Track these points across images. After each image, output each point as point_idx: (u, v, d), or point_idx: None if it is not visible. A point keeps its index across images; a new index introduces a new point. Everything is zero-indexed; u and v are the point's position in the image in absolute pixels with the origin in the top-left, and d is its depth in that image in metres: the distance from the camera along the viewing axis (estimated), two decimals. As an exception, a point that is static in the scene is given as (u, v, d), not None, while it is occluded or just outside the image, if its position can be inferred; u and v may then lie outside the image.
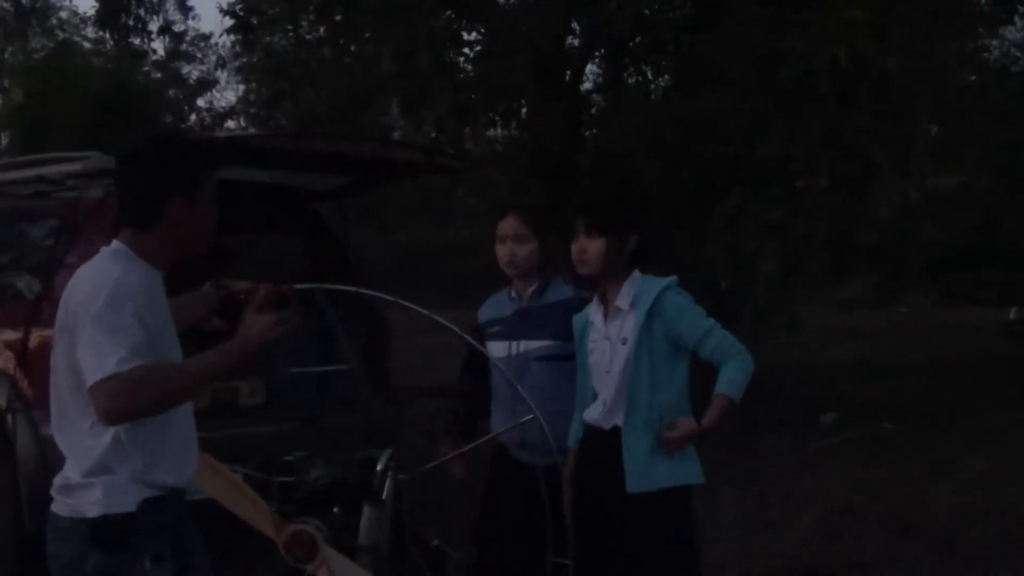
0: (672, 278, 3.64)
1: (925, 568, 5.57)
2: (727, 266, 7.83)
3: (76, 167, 5.52)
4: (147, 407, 2.49)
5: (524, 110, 9.82)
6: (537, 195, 9.50)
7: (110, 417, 2.45)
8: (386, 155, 5.81)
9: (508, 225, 4.02)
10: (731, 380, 3.43)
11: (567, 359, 3.85)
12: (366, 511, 3.49)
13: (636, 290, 3.63)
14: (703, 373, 3.70)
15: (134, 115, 26.93)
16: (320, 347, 5.15)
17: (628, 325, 3.57)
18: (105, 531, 2.53)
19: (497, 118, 9.33)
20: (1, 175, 6.26)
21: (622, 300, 3.63)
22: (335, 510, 3.48)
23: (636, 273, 3.69)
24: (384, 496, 3.55)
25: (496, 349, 4.02)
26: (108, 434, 2.54)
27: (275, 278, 3.83)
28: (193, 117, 32.02)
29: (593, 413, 3.68)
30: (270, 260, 7.06)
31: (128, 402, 2.42)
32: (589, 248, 3.66)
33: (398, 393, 6.47)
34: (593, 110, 11.22)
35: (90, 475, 2.56)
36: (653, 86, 11.32)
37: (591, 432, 3.70)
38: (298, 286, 3.91)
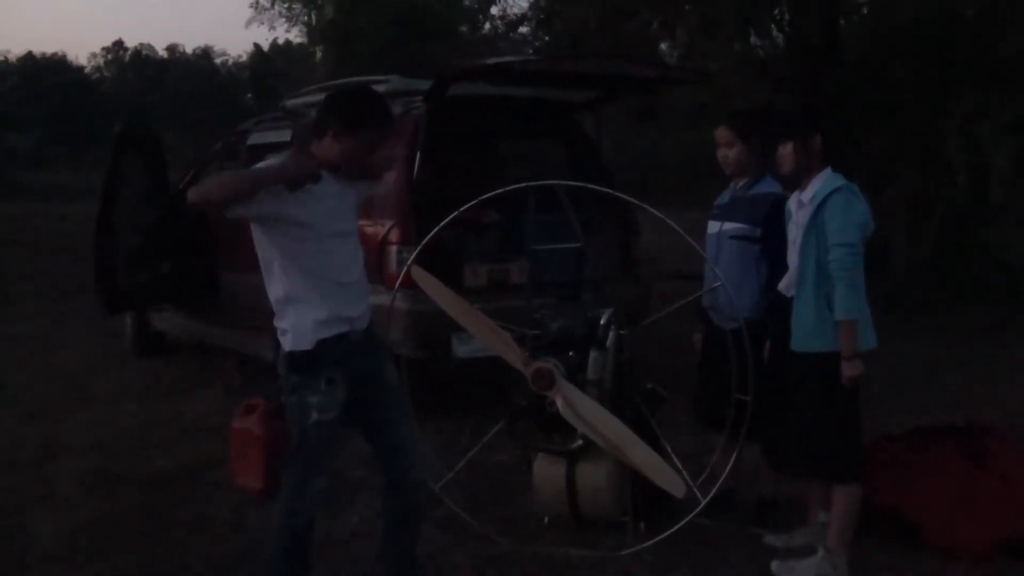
0: (844, 182, 4.28)
1: None
2: (964, 163, 8.24)
3: (380, 89, 6.76)
4: (208, 193, 3.49)
5: (777, 14, 10.31)
6: (795, 95, 10.10)
7: (190, 199, 3.49)
8: (627, 72, 6.69)
9: (720, 132, 4.91)
10: (839, 308, 4.12)
11: (754, 241, 4.71)
12: (592, 354, 4.57)
13: (818, 187, 4.38)
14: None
15: (431, 26, 28.68)
16: (574, 235, 6.13)
17: (806, 215, 4.36)
18: (293, 361, 3.70)
19: (749, 28, 9.88)
20: (305, 99, 7.66)
21: (806, 194, 4.40)
22: (570, 353, 4.57)
23: (827, 171, 4.37)
24: (607, 344, 4.62)
25: (710, 227, 4.95)
26: (286, 276, 3.65)
27: (540, 178, 4.90)
28: (487, 26, 33.58)
29: (783, 283, 4.53)
30: (538, 162, 8.21)
31: (202, 191, 3.49)
32: (783, 151, 4.49)
33: (645, 275, 7.46)
34: (855, 15, 11.53)
35: (278, 314, 3.72)
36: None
37: (781, 298, 4.55)
38: (545, 182, 5.00)
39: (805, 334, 4.29)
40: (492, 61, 6.22)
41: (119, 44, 66.18)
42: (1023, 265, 10.45)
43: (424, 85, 6.73)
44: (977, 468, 4.60)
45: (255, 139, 8.03)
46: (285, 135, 7.51)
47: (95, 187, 8.26)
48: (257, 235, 3.69)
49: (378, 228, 6.32)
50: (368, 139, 3.75)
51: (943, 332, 9.02)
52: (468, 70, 6.50)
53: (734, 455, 4.72)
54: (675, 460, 4.61)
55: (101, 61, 66.15)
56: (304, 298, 3.68)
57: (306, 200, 3.61)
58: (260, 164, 3.67)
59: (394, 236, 6.32)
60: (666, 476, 4.32)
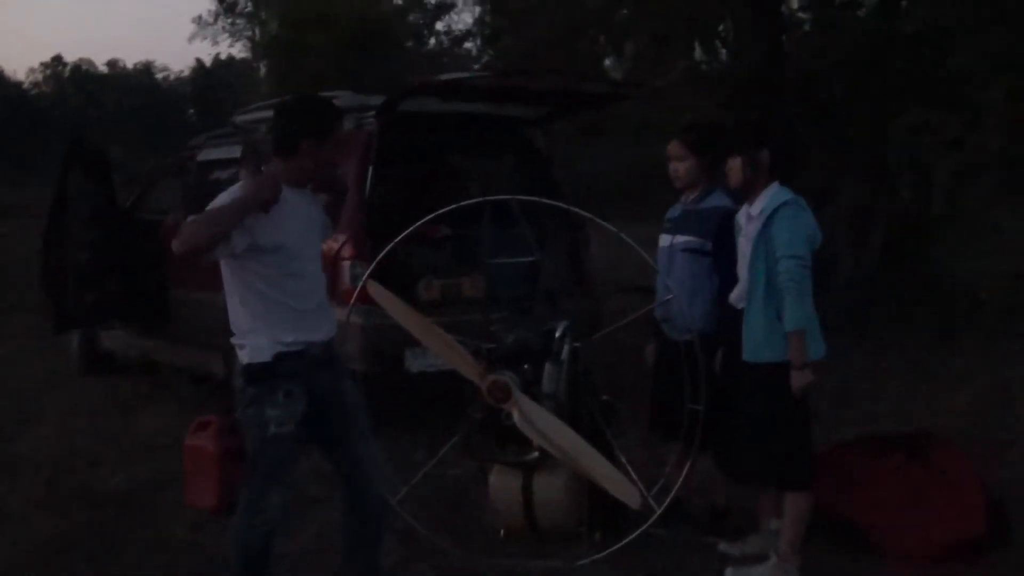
0: (791, 196, 4.40)
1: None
2: (907, 177, 8.45)
3: (331, 105, 6.78)
4: (194, 240, 3.51)
5: (723, 31, 10.48)
6: (742, 112, 10.26)
7: (176, 250, 3.53)
8: (577, 88, 6.78)
9: (672, 147, 5.00)
10: (788, 318, 4.24)
11: (705, 254, 4.80)
12: (547, 367, 4.63)
13: (766, 200, 4.48)
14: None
15: (378, 41, 28.70)
16: (527, 249, 6.20)
17: (755, 228, 4.46)
18: (250, 373, 3.73)
19: (696, 44, 10.05)
20: (255, 115, 7.67)
21: (754, 208, 4.50)
22: (525, 366, 4.62)
23: (774, 185, 4.49)
24: (562, 357, 4.68)
25: (662, 240, 5.03)
26: (246, 307, 3.71)
27: (492, 192, 4.96)
28: (432, 41, 33.72)
29: (734, 295, 4.63)
30: (489, 177, 8.27)
31: (182, 241, 3.49)
32: (732, 166, 4.59)
33: (596, 288, 7.54)
34: (798, 32, 11.75)
35: (240, 337, 3.77)
36: (859, 7, 11.74)
37: (732, 310, 4.64)
38: (501, 197, 5.06)
39: (756, 344, 4.38)
40: (444, 77, 6.28)
41: (58, 59, 65.32)
42: (963, 278, 10.73)
43: (375, 101, 6.77)
44: (924, 474, 4.73)
45: (205, 155, 8.01)
46: (235, 151, 7.47)
47: (36, 204, 8.18)
48: (226, 268, 3.71)
49: (331, 243, 6.33)
50: (338, 146, 3.84)
51: (887, 343, 9.19)
52: (421, 86, 6.55)
53: (688, 465, 4.79)
54: (630, 471, 4.68)
55: (40, 76, 65.25)
56: (263, 328, 3.72)
57: (275, 222, 3.64)
58: (222, 197, 3.66)
59: (347, 251, 6.35)
60: (621, 487, 4.39)
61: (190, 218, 3.59)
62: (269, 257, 3.66)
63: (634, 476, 4.63)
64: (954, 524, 4.54)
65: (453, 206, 4.84)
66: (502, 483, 4.85)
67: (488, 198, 4.82)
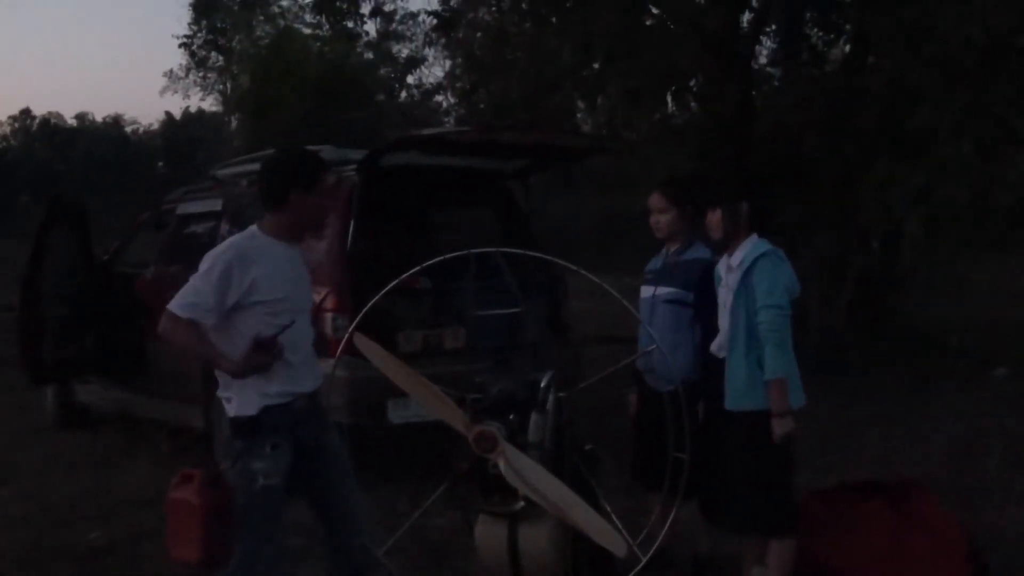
0: (770, 247, 4.52)
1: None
2: (878, 228, 8.59)
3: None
4: (170, 342, 3.74)
5: (694, 85, 10.67)
6: (714, 164, 10.43)
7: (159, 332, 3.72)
8: (555, 142, 6.88)
9: (653, 199, 5.10)
10: (769, 367, 4.33)
11: (687, 305, 4.88)
12: (533, 417, 4.65)
13: (746, 252, 4.58)
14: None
15: (349, 95, 28.88)
16: (509, 301, 6.23)
17: (735, 279, 4.55)
18: (237, 426, 3.80)
19: (669, 98, 10.22)
20: (236, 168, 7.74)
21: (734, 259, 4.60)
22: (511, 416, 4.64)
23: (754, 236, 4.60)
24: (547, 407, 4.71)
25: (644, 291, 5.11)
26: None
27: (473, 245, 5.01)
28: (403, 95, 33.97)
29: (715, 344, 4.70)
30: (469, 230, 8.35)
31: (162, 331, 3.71)
32: (712, 218, 4.69)
33: (575, 339, 7.61)
34: (767, 86, 11.98)
35: (225, 390, 3.83)
36: (825, 63, 12.01)
37: (713, 359, 4.71)
38: (486, 249, 5.11)
39: (738, 393, 4.45)
40: (427, 132, 6.38)
41: (26, 112, 64.96)
42: (934, 327, 10.90)
43: (356, 155, 6.84)
44: (905, 522, 4.77)
45: (184, 209, 8.05)
46: (215, 204, 7.55)
47: (4, 257, 8.16)
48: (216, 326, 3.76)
49: (313, 295, 6.36)
50: (325, 194, 3.97)
51: (859, 393, 9.29)
52: (403, 140, 6.63)
53: (672, 513, 4.82)
54: (615, 519, 4.70)
55: (8, 129, 64.88)
56: (250, 380, 3.76)
57: (271, 275, 3.71)
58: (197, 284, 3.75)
59: (329, 303, 6.38)
60: (607, 535, 4.40)
61: (182, 314, 3.69)
62: (259, 308, 3.71)
63: (619, 525, 4.65)
64: (938, 572, 4.59)
65: (440, 258, 4.89)
66: (487, 533, 4.84)
67: (472, 251, 4.88)
